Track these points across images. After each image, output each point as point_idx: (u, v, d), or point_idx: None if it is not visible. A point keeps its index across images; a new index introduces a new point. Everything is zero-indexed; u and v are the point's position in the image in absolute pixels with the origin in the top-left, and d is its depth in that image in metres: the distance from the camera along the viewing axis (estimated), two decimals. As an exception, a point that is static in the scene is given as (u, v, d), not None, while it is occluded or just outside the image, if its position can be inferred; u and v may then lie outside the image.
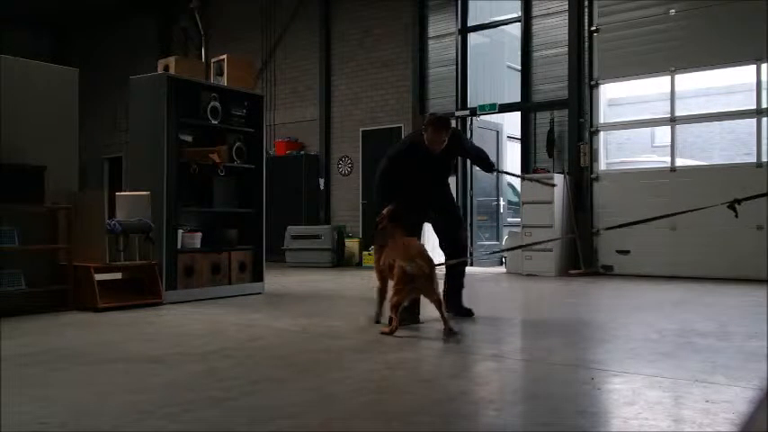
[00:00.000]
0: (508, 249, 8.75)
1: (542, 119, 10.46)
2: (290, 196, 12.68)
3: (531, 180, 8.19)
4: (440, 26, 11.71)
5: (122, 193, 6.70)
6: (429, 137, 5.18)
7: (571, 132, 10.10)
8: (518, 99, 10.88)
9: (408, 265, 4.50)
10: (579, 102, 10.03)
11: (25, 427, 2.58)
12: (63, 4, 15.76)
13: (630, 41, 9.69)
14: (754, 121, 8.87)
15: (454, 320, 4.95)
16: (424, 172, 5.35)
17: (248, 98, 7.46)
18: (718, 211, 9.32)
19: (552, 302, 7.11)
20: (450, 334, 4.51)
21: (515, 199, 12.43)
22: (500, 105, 11.29)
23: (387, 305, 4.79)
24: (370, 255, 11.14)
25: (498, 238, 12.21)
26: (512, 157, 12.72)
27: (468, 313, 5.38)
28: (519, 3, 10.77)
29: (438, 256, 5.30)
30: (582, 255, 9.66)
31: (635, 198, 9.56)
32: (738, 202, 4.09)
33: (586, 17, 10.06)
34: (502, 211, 12.36)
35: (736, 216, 4.10)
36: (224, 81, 7.35)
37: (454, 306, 5.32)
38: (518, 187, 10.95)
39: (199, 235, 6.85)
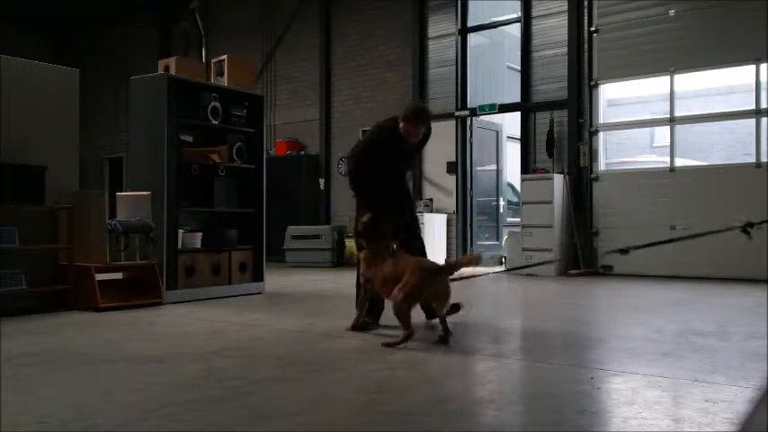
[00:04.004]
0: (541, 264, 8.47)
1: (542, 119, 10.46)
2: (290, 196, 12.68)
3: None
4: (440, 26, 11.71)
5: (123, 193, 6.72)
6: (407, 128, 4.90)
7: (571, 132, 10.10)
8: (518, 99, 10.88)
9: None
10: (579, 102, 10.04)
11: (25, 427, 2.59)
12: (63, 5, 15.75)
13: (630, 42, 9.69)
14: (754, 121, 8.89)
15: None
16: (393, 166, 5.11)
17: (248, 98, 7.46)
18: (717, 211, 9.33)
19: (552, 302, 7.12)
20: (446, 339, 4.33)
21: (515, 199, 12.45)
22: (500, 105, 11.30)
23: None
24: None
25: (498, 238, 12.21)
26: (512, 158, 12.72)
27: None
28: (519, 3, 10.77)
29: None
30: (581, 255, 9.67)
31: (634, 198, 9.58)
32: (751, 225, 4.10)
33: (586, 17, 10.07)
34: (501, 211, 12.38)
35: (750, 238, 4.10)
36: (224, 81, 7.35)
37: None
38: (518, 187, 10.94)
39: (199, 235, 6.85)
